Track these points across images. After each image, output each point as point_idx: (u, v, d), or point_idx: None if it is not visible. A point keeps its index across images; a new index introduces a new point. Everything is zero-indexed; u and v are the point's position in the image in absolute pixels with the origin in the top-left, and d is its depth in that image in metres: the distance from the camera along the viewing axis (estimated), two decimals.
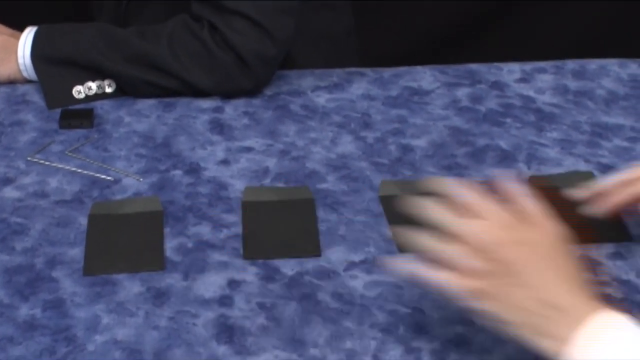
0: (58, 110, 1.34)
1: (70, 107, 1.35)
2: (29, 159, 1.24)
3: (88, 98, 1.36)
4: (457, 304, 0.88)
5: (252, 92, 1.38)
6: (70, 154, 1.25)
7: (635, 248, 1.11)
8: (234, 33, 1.32)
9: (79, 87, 1.35)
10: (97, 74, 1.36)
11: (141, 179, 1.21)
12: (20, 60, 1.36)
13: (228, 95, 1.37)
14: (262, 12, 1.32)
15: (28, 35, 1.36)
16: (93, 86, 1.36)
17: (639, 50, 1.76)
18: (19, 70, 1.37)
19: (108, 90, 1.37)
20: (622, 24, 2.17)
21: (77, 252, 1.09)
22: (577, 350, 0.82)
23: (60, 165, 1.22)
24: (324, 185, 1.21)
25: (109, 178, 1.21)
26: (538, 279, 0.86)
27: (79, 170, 1.22)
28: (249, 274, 1.07)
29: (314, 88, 1.41)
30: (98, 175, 1.21)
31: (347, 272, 1.07)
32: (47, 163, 1.23)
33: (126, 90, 1.37)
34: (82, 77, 1.36)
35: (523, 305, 0.85)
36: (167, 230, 1.13)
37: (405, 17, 2.16)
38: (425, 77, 1.44)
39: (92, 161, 1.24)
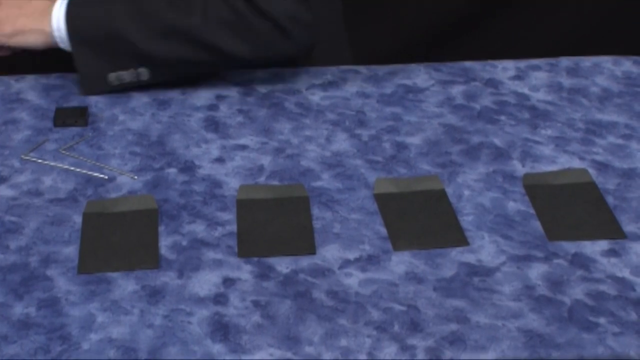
0: (52, 109, 1.34)
1: (65, 106, 1.35)
2: (23, 157, 1.24)
3: (122, 85, 1.35)
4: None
5: (295, 57, 1.36)
6: (64, 152, 1.25)
7: (629, 245, 1.11)
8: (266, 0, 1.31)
9: (114, 74, 1.35)
10: (133, 57, 1.34)
11: (136, 177, 1.21)
12: (56, 34, 1.35)
13: (269, 63, 1.35)
14: None
15: (60, 11, 1.34)
16: (128, 74, 1.34)
17: (633, 47, 1.76)
18: (51, 42, 1.36)
19: (143, 78, 1.35)
20: (617, 22, 2.17)
21: (71, 251, 1.09)
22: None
23: (54, 164, 1.22)
24: (318, 183, 1.21)
25: (103, 176, 1.21)
26: None
27: (73, 169, 1.22)
28: (244, 272, 1.07)
29: (308, 86, 1.41)
30: (92, 173, 1.21)
31: (341, 270, 1.07)
32: (41, 161, 1.23)
33: (162, 72, 1.35)
34: (118, 63, 1.34)
35: None
36: (161, 228, 1.13)
37: (399, 15, 2.16)
38: (419, 74, 1.44)
39: (86, 159, 1.24)
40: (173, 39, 1.32)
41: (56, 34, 1.34)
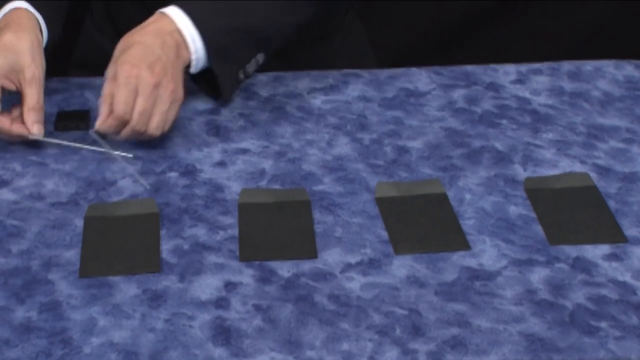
0: (54, 112, 1.34)
1: (66, 109, 1.35)
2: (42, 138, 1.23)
3: (246, 78, 1.31)
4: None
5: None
6: (95, 133, 1.22)
7: (631, 249, 1.11)
8: None
9: (242, 70, 1.30)
10: (256, 45, 1.29)
11: (131, 155, 1.21)
12: (193, 56, 1.25)
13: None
14: None
15: (189, 28, 1.25)
16: (250, 65, 1.30)
17: (634, 51, 1.76)
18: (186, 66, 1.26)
19: (259, 63, 1.31)
20: (618, 25, 2.17)
21: (73, 254, 1.09)
22: None
23: (69, 144, 1.22)
24: (320, 187, 1.21)
25: (127, 155, 1.22)
26: None
27: (71, 144, 1.22)
28: (245, 275, 1.07)
29: (309, 90, 1.41)
30: (114, 152, 1.21)
31: (343, 273, 1.07)
32: (59, 142, 1.23)
33: (273, 49, 1.31)
34: (245, 57, 1.29)
35: None
36: (163, 232, 1.13)
37: (399, 19, 2.16)
38: (421, 78, 1.44)
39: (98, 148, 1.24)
40: (286, 8, 1.30)
41: (194, 56, 1.25)
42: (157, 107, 1.21)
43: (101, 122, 1.21)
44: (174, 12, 1.25)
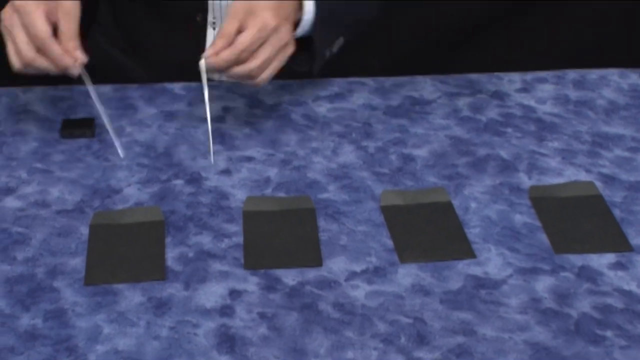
0: (59, 120, 1.34)
1: (72, 117, 1.35)
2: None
3: (330, 57, 1.31)
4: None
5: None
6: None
7: (636, 258, 1.11)
8: None
9: (328, 49, 1.30)
10: (346, 27, 1.30)
11: (122, 156, 1.24)
12: (305, 17, 1.26)
13: None
14: None
15: None
16: (335, 45, 1.29)
17: (639, 60, 1.76)
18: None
19: (339, 46, 1.31)
20: (623, 34, 2.17)
21: (78, 262, 1.09)
22: None
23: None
24: (325, 195, 1.21)
25: (120, 153, 1.23)
26: None
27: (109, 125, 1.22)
28: (250, 283, 1.07)
29: (315, 97, 1.41)
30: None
31: (348, 282, 1.07)
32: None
33: (350, 36, 1.32)
34: (335, 36, 1.30)
35: None
36: (168, 240, 1.13)
37: (404, 27, 2.17)
38: (426, 86, 1.44)
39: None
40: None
41: (305, 17, 1.26)
42: (275, 63, 1.22)
43: (216, 50, 1.18)
44: None
